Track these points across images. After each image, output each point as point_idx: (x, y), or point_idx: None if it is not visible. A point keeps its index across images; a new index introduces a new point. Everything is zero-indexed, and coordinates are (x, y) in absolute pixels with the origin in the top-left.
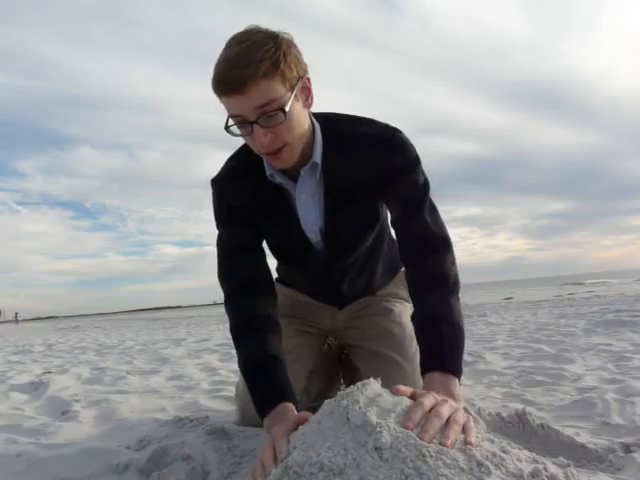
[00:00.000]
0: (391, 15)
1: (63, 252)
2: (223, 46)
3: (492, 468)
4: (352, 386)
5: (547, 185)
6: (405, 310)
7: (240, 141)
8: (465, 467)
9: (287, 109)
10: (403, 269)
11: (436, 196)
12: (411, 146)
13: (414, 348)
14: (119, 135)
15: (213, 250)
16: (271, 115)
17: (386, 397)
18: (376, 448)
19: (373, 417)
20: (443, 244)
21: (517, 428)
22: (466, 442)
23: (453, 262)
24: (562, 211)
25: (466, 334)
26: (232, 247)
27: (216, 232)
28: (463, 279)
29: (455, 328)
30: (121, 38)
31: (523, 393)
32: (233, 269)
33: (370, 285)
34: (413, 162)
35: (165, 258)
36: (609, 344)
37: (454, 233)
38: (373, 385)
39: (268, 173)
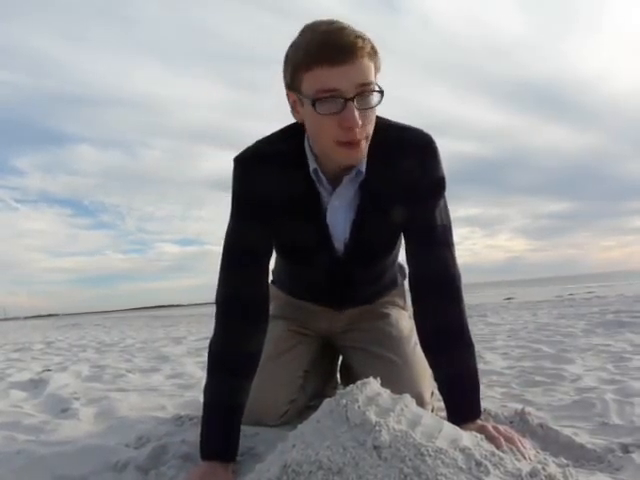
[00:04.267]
0: (391, 15)
1: (62, 250)
2: (299, 33)
3: (491, 467)
4: (352, 385)
5: (547, 185)
6: (401, 315)
7: (246, 142)
8: (464, 466)
9: (383, 92)
10: (402, 283)
11: None
12: (441, 160)
13: (411, 350)
14: (119, 133)
15: (213, 249)
16: (368, 95)
17: (385, 396)
18: (375, 447)
19: (372, 416)
20: (460, 286)
21: (517, 428)
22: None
23: (464, 307)
24: (562, 212)
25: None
26: (242, 250)
27: (221, 227)
28: (464, 279)
29: (476, 381)
30: (121, 36)
31: (522, 393)
32: (235, 282)
33: (375, 295)
34: (442, 181)
35: (165, 256)
36: (608, 345)
37: (455, 234)
38: (372, 384)
39: (312, 168)
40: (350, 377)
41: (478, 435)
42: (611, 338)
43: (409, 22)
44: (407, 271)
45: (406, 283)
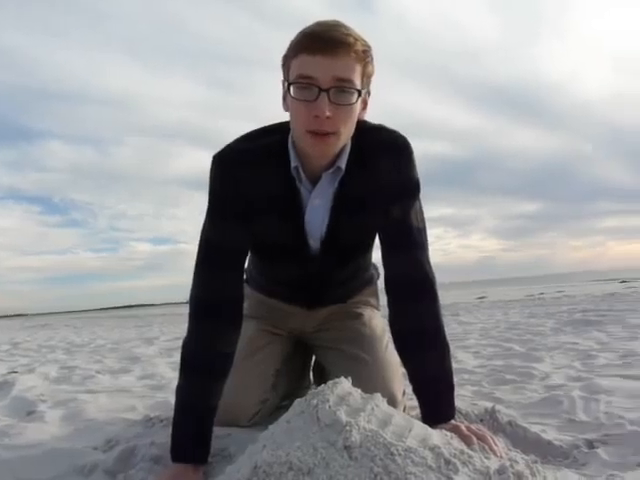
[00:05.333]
0: (366, 15)
1: (31, 248)
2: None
3: (460, 466)
4: (323, 385)
5: (518, 186)
6: (374, 314)
7: (222, 141)
8: (433, 465)
9: (361, 94)
10: (376, 282)
11: None
12: (415, 162)
13: (383, 349)
14: (91, 130)
15: (187, 247)
16: (345, 91)
17: (356, 396)
18: (345, 447)
19: (343, 416)
20: (435, 288)
21: (487, 426)
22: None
23: (440, 308)
24: (533, 212)
25: None
26: (218, 249)
27: (195, 227)
28: (438, 278)
29: (450, 383)
30: (96, 32)
31: (493, 391)
32: (210, 282)
33: (348, 295)
34: (418, 183)
35: (138, 255)
36: (576, 343)
37: (429, 233)
38: (344, 384)
39: (293, 165)
40: (323, 377)
41: (448, 434)
42: (579, 336)
43: (384, 22)
44: (381, 271)
45: (380, 283)
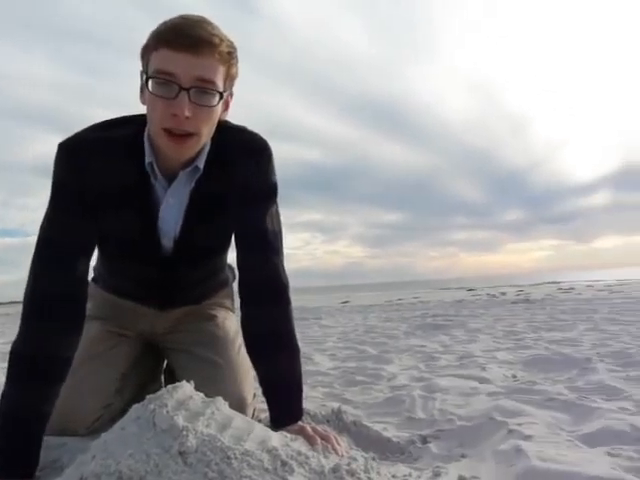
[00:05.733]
0: (246, 16)
1: None
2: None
3: (295, 466)
4: (163, 389)
5: (383, 197)
6: (228, 316)
7: (78, 126)
8: (270, 467)
9: (223, 97)
10: (231, 284)
11: (281, 201)
12: (274, 165)
13: (235, 352)
14: None
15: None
16: (207, 92)
17: (197, 400)
18: (180, 453)
19: (180, 421)
20: (288, 294)
21: (333, 426)
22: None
23: (291, 312)
24: (396, 222)
25: (300, 337)
26: (58, 243)
27: (41, 215)
28: (305, 283)
29: (300, 385)
30: None
31: (343, 392)
32: (49, 278)
33: (202, 296)
34: (275, 186)
35: None
36: (423, 345)
37: (297, 238)
38: (185, 388)
39: (147, 161)
40: (174, 380)
41: (289, 435)
42: (427, 340)
43: (263, 25)
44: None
45: (235, 285)
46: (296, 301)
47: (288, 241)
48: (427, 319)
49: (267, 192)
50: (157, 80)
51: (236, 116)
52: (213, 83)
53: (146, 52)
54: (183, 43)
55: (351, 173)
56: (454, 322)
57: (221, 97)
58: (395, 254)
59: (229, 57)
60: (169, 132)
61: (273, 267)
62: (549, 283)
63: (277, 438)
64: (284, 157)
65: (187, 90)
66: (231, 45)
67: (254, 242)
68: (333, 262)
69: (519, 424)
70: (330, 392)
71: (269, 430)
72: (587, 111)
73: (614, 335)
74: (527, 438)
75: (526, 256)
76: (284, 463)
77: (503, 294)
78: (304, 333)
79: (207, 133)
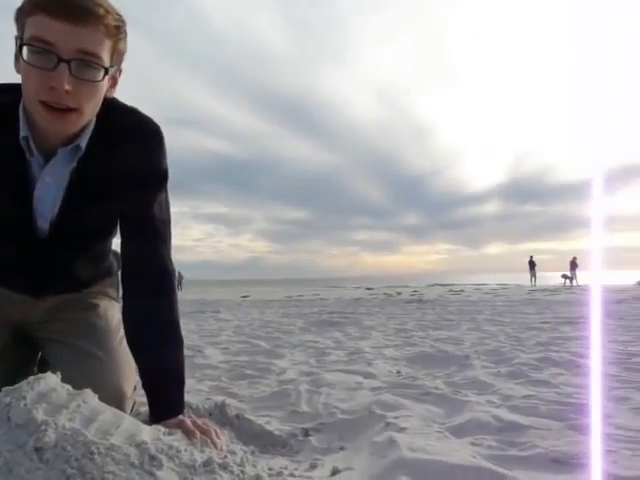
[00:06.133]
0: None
1: None
2: None
3: (165, 461)
4: (23, 381)
5: (289, 193)
6: (111, 306)
7: None
8: (136, 462)
9: (109, 72)
10: (116, 272)
11: (186, 191)
12: (166, 152)
13: (117, 343)
14: None
15: None
16: (91, 66)
17: (61, 393)
18: (37, 449)
19: (39, 415)
20: (174, 284)
21: (216, 420)
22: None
23: (176, 303)
24: (300, 219)
25: (194, 329)
26: None
27: None
28: (207, 276)
29: (182, 378)
30: None
31: (230, 386)
32: None
33: (83, 284)
34: (166, 172)
35: None
36: (317, 341)
37: (201, 230)
38: (49, 379)
39: (22, 135)
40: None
41: (162, 429)
42: (320, 336)
43: (178, 8)
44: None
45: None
46: (196, 294)
47: (192, 232)
48: (323, 316)
49: (157, 178)
50: (33, 48)
51: (141, 97)
52: (98, 57)
53: (21, 15)
54: (63, 10)
55: (259, 167)
56: (349, 319)
57: (106, 72)
58: (298, 251)
59: (116, 31)
60: (46, 105)
61: (160, 256)
62: (442, 285)
63: (148, 432)
64: (191, 146)
65: (67, 62)
66: (119, 19)
67: (141, 229)
68: (236, 256)
69: (396, 417)
70: (217, 385)
71: (141, 424)
72: (484, 125)
73: (492, 335)
74: (402, 430)
75: (423, 258)
76: (153, 457)
77: (399, 294)
78: (200, 326)
79: (90, 110)
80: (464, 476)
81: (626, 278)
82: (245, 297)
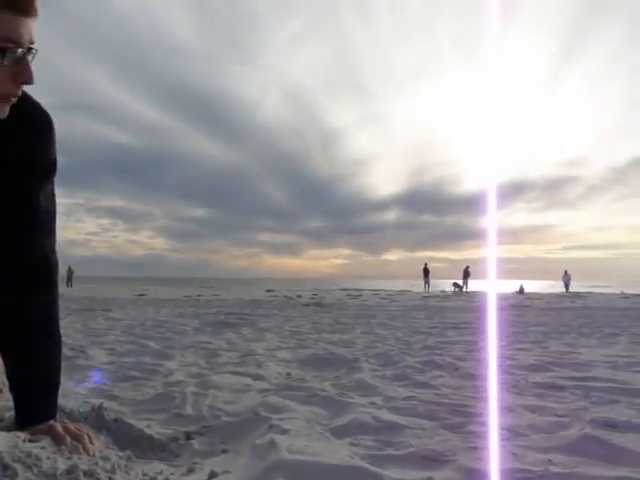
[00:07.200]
0: None
1: None
2: None
3: (21, 470)
4: None
5: (192, 191)
6: None
7: None
8: None
9: None
10: None
11: (82, 182)
12: (56, 142)
13: None
14: None
15: None
16: (32, 54)
17: None
18: None
19: None
20: (55, 277)
21: (92, 424)
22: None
23: (56, 299)
24: (202, 218)
25: (80, 328)
26: None
27: None
28: (102, 272)
29: (56, 380)
30: None
31: (111, 389)
32: None
33: None
34: (54, 163)
35: None
36: (209, 342)
37: (96, 223)
38: None
39: None
40: None
41: (22, 435)
42: (214, 337)
43: None
44: None
45: None
46: (87, 290)
47: (86, 226)
48: (220, 316)
49: (45, 168)
50: (12, 51)
51: (39, 80)
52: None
53: None
54: (25, 7)
55: (161, 163)
56: (246, 321)
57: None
58: (199, 250)
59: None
60: (5, 98)
61: (41, 248)
62: (341, 289)
63: (5, 440)
64: (90, 135)
65: (26, 54)
66: None
67: (22, 219)
68: (134, 252)
69: (281, 419)
70: (97, 388)
71: None
72: (387, 136)
73: (383, 338)
74: (284, 432)
75: (325, 262)
76: (6, 467)
77: (299, 297)
78: (86, 325)
79: None
80: (340, 476)
81: (508, 287)
82: (141, 295)
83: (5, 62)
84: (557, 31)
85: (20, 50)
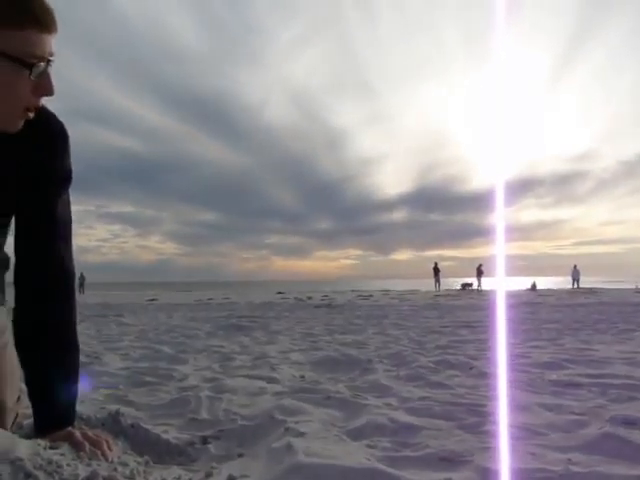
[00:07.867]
0: None
1: None
2: None
3: (43, 477)
4: None
5: (201, 195)
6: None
7: None
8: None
9: None
10: (2, 274)
11: (91, 189)
12: (70, 151)
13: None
14: None
15: None
16: (50, 66)
17: None
18: None
19: None
20: (73, 285)
21: (109, 430)
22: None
23: (74, 306)
24: (211, 221)
25: (93, 335)
26: None
27: None
28: (112, 278)
29: (74, 387)
30: None
31: (127, 394)
32: None
33: None
34: (70, 172)
35: None
36: (222, 346)
37: (106, 229)
38: None
39: None
40: None
41: (42, 443)
42: (227, 340)
43: (88, 3)
44: (12, 261)
45: (10, 275)
46: (99, 296)
47: (96, 232)
48: (232, 320)
49: (60, 177)
50: (37, 66)
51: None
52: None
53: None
54: (50, 25)
55: (170, 168)
56: (258, 323)
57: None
58: (209, 254)
59: None
60: (28, 110)
61: (59, 258)
62: (351, 290)
63: (26, 447)
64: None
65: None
66: None
67: (40, 228)
68: (144, 257)
69: (296, 422)
70: (113, 394)
71: (17, 438)
72: (394, 135)
73: (396, 338)
74: (300, 435)
75: (334, 263)
76: (28, 475)
77: (310, 298)
78: (100, 331)
79: None
80: (358, 478)
81: (521, 284)
82: (152, 301)
83: (32, 77)
84: (564, 24)
85: (43, 64)
